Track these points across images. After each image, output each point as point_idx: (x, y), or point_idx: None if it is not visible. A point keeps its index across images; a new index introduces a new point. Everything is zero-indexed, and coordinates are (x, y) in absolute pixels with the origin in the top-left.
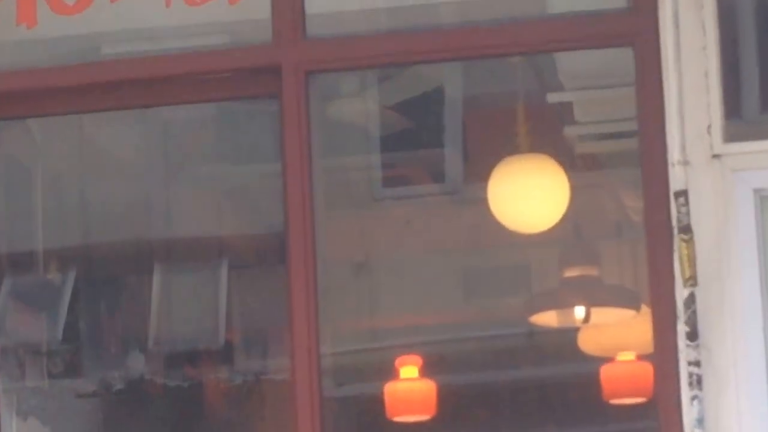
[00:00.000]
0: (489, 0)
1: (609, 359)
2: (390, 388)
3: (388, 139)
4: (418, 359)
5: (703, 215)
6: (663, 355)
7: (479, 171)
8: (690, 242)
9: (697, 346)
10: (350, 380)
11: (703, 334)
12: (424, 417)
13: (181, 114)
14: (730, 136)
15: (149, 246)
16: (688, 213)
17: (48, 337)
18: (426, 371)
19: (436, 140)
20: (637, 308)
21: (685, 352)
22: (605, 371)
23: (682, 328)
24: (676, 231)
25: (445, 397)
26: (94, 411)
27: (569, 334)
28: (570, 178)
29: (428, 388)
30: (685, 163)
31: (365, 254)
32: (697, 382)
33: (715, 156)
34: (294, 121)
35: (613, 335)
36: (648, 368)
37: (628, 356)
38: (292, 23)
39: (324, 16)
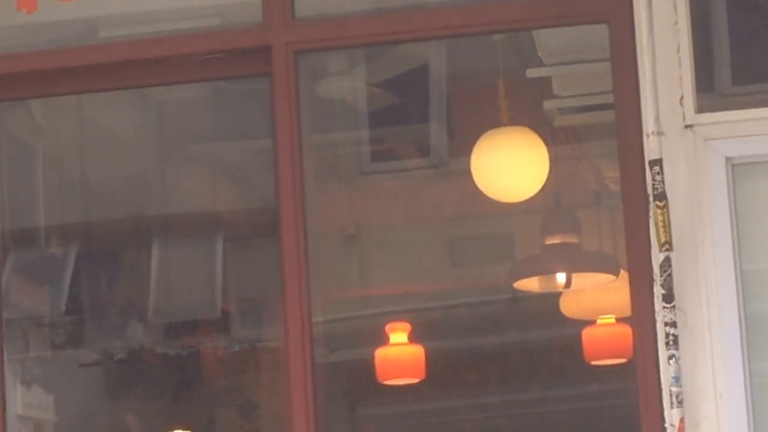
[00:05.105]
0: None
1: (590, 322)
2: (380, 353)
3: (375, 116)
4: (407, 325)
5: (677, 183)
6: (641, 317)
7: (463, 144)
8: (665, 209)
9: (673, 307)
10: (342, 346)
11: (679, 296)
12: (413, 380)
13: (176, 94)
14: (702, 108)
15: (147, 221)
16: (662, 181)
17: (51, 309)
18: (415, 336)
19: (422, 116)
20: (616, 273)
21: (661, 313)
22: (586, 334)
23: (658, 291)
24: (651, 198)
25: (433, 360)
26: (96, 379)
27: (552, 299)
28: (550, 150)
29: (417, 352)
30: (659, 133)
31: (355, 226)
32: (674, 342)
33: (688, 126)
34: (284, 99)
35: (594, 299)
36: (627, 330)
37: (608, 319)
38: (282, 5)
39: None
